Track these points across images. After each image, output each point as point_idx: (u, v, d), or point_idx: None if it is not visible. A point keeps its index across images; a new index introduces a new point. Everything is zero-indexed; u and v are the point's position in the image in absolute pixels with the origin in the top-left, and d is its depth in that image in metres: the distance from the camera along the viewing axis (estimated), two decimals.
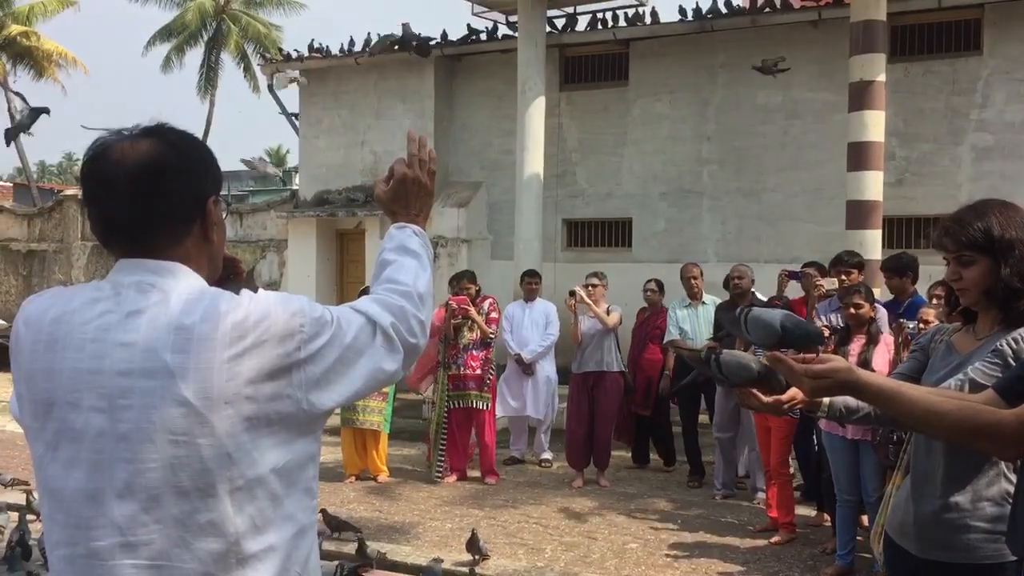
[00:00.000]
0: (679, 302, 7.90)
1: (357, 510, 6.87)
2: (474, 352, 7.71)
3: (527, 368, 8.26)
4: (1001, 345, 2.23)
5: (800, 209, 11.50)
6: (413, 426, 9.97)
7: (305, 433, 1.50)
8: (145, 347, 1.41)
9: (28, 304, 1.54)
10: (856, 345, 5.35)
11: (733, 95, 11.84)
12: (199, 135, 1.64)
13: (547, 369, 8.42)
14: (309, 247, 14.43)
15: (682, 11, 12.01)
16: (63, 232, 17.22)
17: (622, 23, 12.38)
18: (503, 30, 13.06)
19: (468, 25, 13.44)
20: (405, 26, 13.21)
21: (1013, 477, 2.21)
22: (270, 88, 15.15)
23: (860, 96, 8.93)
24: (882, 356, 5.24)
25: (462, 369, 7.70)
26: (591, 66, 12.95)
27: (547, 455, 8.47)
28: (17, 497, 6.60)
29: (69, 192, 17.63)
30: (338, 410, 2.79)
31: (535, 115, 10.91)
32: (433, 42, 13.23)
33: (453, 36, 13.42)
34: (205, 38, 28.78)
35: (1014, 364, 2.14)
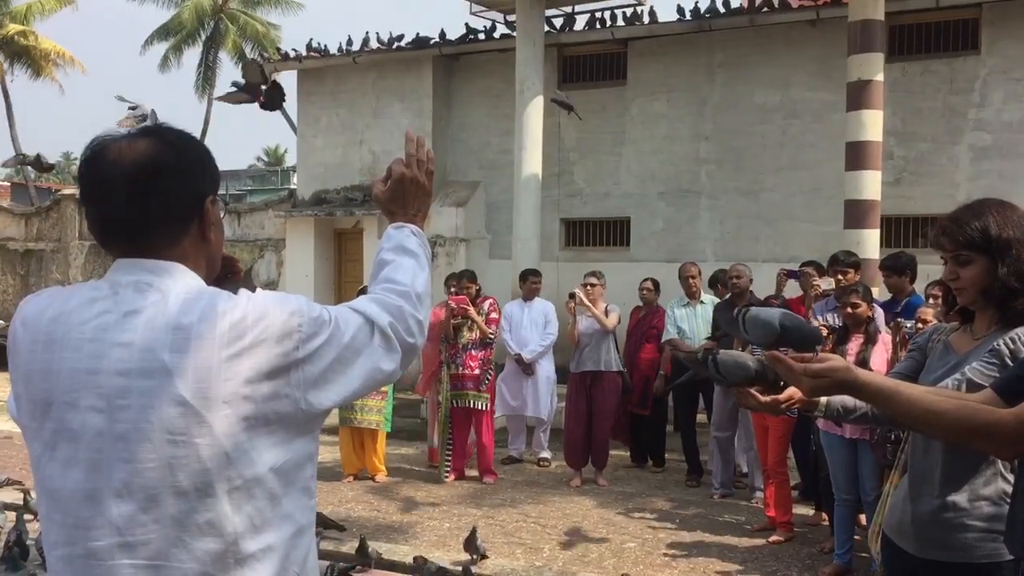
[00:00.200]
0: (677, 301, 7.90)
1: (355, 510, 6.87)
2: (473, 352, 7.72)
3: (527, 368, 8.27)
4: (998, 345, 2.23)
5: (798, 208, 11.49)
6: (411, 425, 9.96)
7: (303, 432, 1.51)
8: (143, 347, 1.41)
9: (26, 304, 1.54)
10: (854, 344, 5.35)
11: (731, 94, 11.83)
12: (197, 134, 1.63)
13: (547, 368, 8.42)
14: (307, 246, 14.41)
15: (680, 10, 12.00)
16: (61, 231, 17.18)
17: (620, 22, 12.35)
18: (501, 29, 13.05)
19: (466, 24, 13.43)
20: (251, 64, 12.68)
21: (1010, 476, 2.21)
22: None
23: (858, 95, 8.93)
24: (880, 355, 5.25)
25: (460, 369, 7.71)
26: (589, 65, 12.94)
27: (545, 454, 8.47)
28: (14, 497, 6.59)
29: (67, 191, 17.57)
30: (336, 409, 2.78)
31: (533, 114, 10.90)
32: (432, 41, 13.23)
33: (451, 35, 13.43)
34: (203, 37, 28.79)
35: (1011, 364, 2.15)
